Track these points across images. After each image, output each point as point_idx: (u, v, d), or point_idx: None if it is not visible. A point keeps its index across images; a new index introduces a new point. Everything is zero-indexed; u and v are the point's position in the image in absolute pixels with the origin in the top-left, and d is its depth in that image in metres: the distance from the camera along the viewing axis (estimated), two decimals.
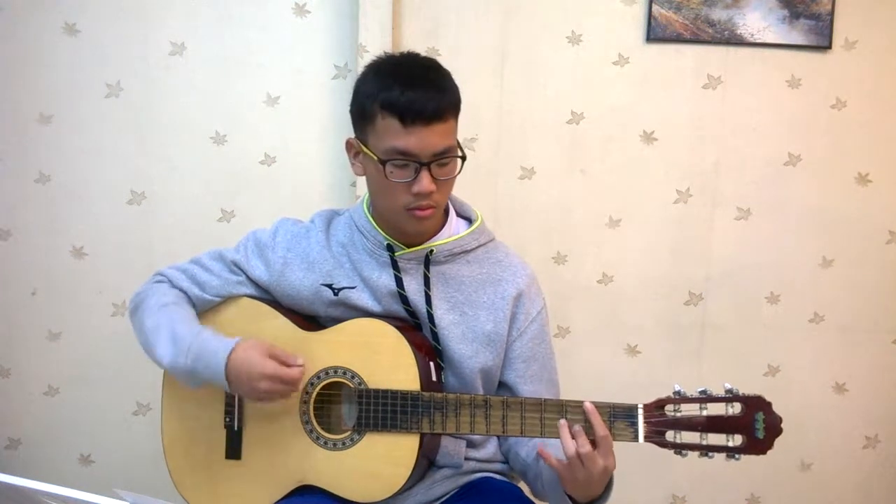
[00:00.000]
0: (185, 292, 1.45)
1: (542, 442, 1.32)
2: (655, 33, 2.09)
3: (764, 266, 2.20)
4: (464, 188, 1.43)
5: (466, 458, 1.45)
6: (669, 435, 1.26)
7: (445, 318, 1.40)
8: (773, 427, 1.24)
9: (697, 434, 1.25)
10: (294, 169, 2.11)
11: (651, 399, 1.28)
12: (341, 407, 1.42)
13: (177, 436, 1.46)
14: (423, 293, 1.40)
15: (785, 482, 2.26)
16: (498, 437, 1.50)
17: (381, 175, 1.31)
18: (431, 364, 1.39)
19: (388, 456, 1.34)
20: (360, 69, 1.42)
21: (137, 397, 2.15)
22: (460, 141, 1.37)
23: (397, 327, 1.37)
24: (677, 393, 1.27)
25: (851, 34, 2.11)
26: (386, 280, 1.40)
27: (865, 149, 2.16)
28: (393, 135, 1.29)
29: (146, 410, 2.16)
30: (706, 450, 1.25)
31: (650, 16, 2.08)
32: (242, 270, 1.46)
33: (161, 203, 2.11)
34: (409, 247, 1.40)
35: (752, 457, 1.26)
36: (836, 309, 2.21)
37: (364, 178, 1.40)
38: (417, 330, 1.42)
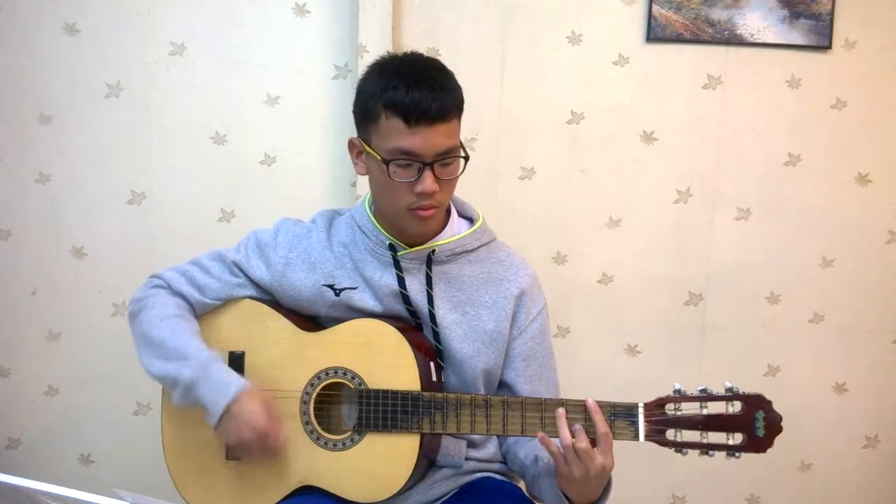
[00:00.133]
0: (184, 297, 1.44)
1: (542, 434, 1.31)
2: (655, 33, 2.09)
3: (764, 266, 2.20)
4: (464, 188, 1.43)
5: (467, 458, 1.45)
6: (670, 433, 1.26)
7: (447, 318, 1.40)
8: (774, 425, 1.24)
9: (698, 432, 1.25)
10: (294, 169, 2.11)
11: (651, 399, 1.28)
12: (342, 407, 1.42)
13: (177, 436, 1.45)
14: (426, 293, 1.40)
15: (785, 482, 2.26)
16: (498, 437, 1.50)
17: (384, 175, 1.31)
18: (432, 364, 1.38)
19: (389, 456, 1.34)
20: (361, 69, 1.42)
21: (137, 397, 2.15)
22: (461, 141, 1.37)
23: (398, 327, 1.37)
24: (677, 392, 1.26)
25: (851, 34, 2.11)
26: (388, 280, 1.40)
27: (865, 149, 2.16)
28: (397, 135, 1.29)
29: (146, 410, 2.16)
30: (707, 448, 1.25)
31: (650, 16, 2.08)
32: (243, 271, 1.45)
33: (161, 203, 2.11)
34: (410, 246, 1.40)
35: (752, 457, 1.26)
36: (836, 309, 2.22)
37: (366, 177, 1.40)
38: (418, 330, 1.42)
